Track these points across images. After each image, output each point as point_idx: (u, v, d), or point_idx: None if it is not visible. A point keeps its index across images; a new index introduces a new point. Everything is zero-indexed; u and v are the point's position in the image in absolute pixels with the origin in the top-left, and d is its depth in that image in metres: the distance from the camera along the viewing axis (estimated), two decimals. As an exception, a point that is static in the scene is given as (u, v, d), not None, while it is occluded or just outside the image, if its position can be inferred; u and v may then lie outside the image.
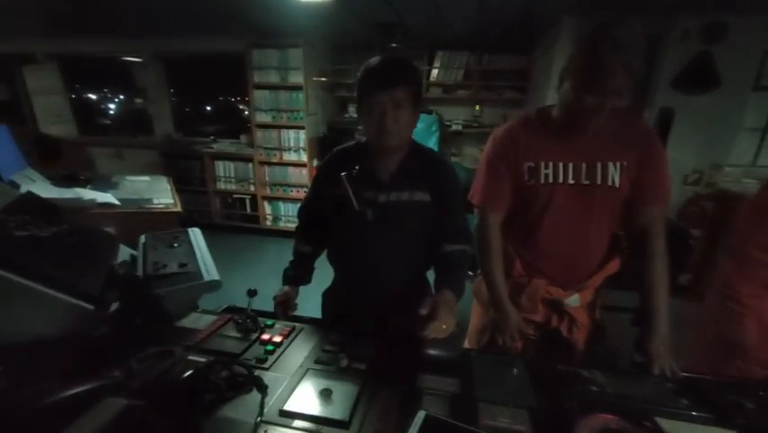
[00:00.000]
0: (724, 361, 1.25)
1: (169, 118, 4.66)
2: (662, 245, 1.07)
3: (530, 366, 0.93)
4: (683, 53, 2.67)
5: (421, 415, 0.73)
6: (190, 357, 0.91)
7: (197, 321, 1.11)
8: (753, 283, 1.19)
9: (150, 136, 4.59)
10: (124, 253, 1.56)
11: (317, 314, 1.31)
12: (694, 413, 0.81)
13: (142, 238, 1.67)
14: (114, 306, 0.98)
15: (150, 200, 2.06)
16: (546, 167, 1.08)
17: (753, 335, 1.20)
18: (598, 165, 1.05)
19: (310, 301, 1.37)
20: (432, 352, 0.91)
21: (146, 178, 2.52)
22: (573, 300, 1.16)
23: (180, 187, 4.20)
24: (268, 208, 4.28)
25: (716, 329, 1.28)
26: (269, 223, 4.31)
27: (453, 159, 4.38)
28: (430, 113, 3.53)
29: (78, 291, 0.99)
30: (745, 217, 1.25)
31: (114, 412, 0.68)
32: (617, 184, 1.05)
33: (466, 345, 1.40)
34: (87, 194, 1.95)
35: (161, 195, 2.17)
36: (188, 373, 0.75)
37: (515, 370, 0.91)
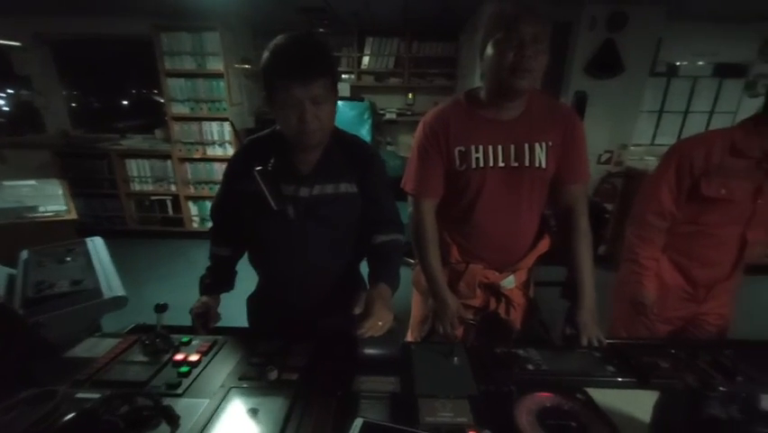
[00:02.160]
0: (633, 320, 1.41)
1: (64, 112, 4.04)
2: (586, 223, 1.12)
3: (470, 352, 0.92)
4: (592, 40, 2.87)
5: (358, 423, 0.67)
6: (79, 395, 0.75)
7: (95, 347, 0.94)
8: (650, 246, 1.34)
9: (41, 134, 3.94)
10: (0, 273, 1.30)
11: (244, 323, 1.19)
12: (620, 379, 0.85)
13: (24, 254, 1.41)
14: (-29, 344, 0.78)
15: (34, 208, 1.73)
16: (477, 150, 1.07)
17: (651, 293, 1.34)
18: (526, 146, 1.06)
19: (232, 310, 1.23)
20: (369, 351, 0.85)
21: (31, 182, 2.13)
22: (509, 282, 1.18)
23: (84, 190, 3.72)
24: (193, 209, 3.92)
25: (624, 291, 1.42)
26: (195, 225, 3.95)
27: (389, 148, 4.37)
28: (362, 100, 3.45)
29: None
30: (643, 189, 1.39)
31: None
32: (543, 165, 1.06)
33: (408, 336, 1.37)
34: (-56, 205, 1.58)
35: (50, 201, 1.84)
36: (69, 417, 0.61)
37: (455, 358, 0.89)
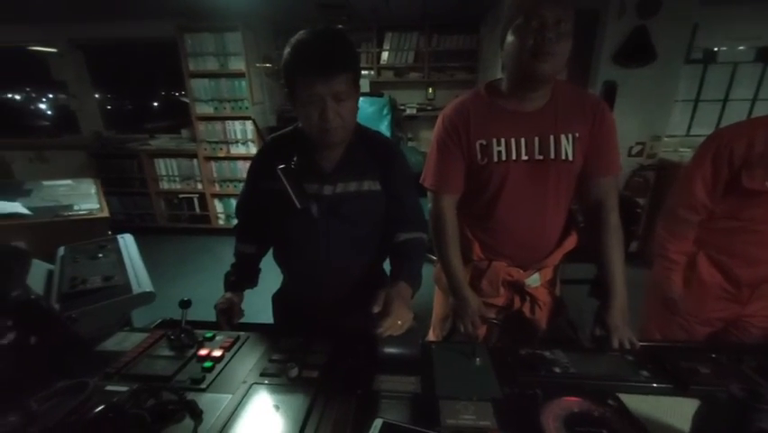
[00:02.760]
0: (667, 321, 1.35)
1: (97, 114, 4.22)
2: (617, 218, 1.07)
3: (493, 353, 0.89)
4: (622, 28, 2.74)
5: (378, 423, 0.66)
6: (108, 387, 0.78)
7: (124, 341, 0.97)
8: (680, 241, 1.28)
9: (77, 135, 4.13)
10: (40, 269, 1.36)
11: (270, 319, 1.20)
12: (654, 385, 0.80)
13: (61, 250, 1.47)
14: (11, 336, 0.81)
15: (69, 207, 1.82)
16: (499, 144, 1.03)
17: (679, 289, 1.29)
18: (551, 138, 1.01)
19: (258, 307, 1.25)
20: (389, 350, 0.84)
21: (68, 182, 2.23)
22: (534, 280, 1.14)
23: (117, 189, 3.88)
24: (219, 207, 4.02)
25: (655, 289, 1.36)
26: (221, 222, 4.05)
27: (409, 143, 4.33)
28: (381, 95, 3.43)
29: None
30: (677, 181, 1.32)
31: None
32: (570, 157, 1.02)
33: (430, 334, 1.35)
34: (-12, 205, 1.68)
35: (85, 200, 1.92)
36: (99, 409, 0.63)
37: (477, 359, 0.86)
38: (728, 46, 3.42)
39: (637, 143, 3.03)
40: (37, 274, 1.31)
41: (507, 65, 1.00)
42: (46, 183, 2.16)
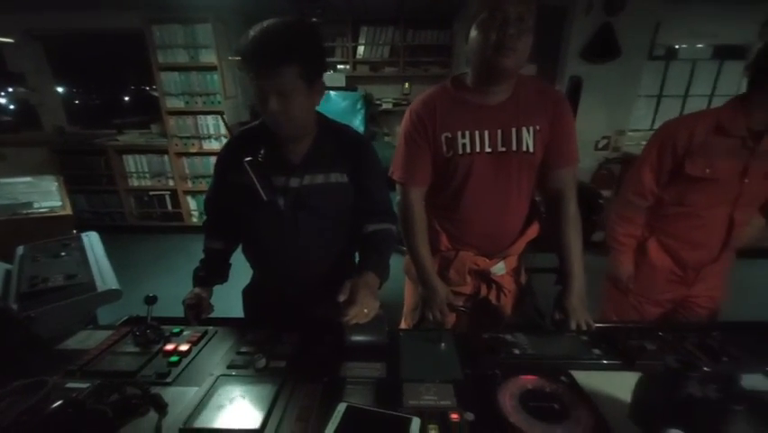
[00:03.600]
0: (621, 303, 1.45)
1: (60, 109, 4.03)
2: (575, 207, 1.12)
3: (458, 338, 0.92)
4: (588, 25, 2.83)
5: (341, 407, 0.68)
6: (69, 385, 0.77)
7: (87, 340, 0.95)
8: (628, 224, 1.39)
9: (38, 131, 3.94)
10: (-3, 269, 1.31)
11: (241, 314, 1.20)
12: (605, 361, 0.85)
13: (20, 250, 1.42)
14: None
15: (28, 204, 1.74)
16: (463, 136, 1.06)
17: (628, 270, 1.39)
18: (513, 131, 1.05)
19: (229, 302, 1.25)
20: (356, 338, 0.86)
21: (27, 179, 2.13)
22: (499, 269, 1.18)
23: (83, 187, 3.73)
24: (191, 204, 3.93)
25: (607, 270, 1.46)
26: (194, 219, 3.96)
27: (385, 138, 4.34)
28: (356, 90, 3.42)
29: None
30: (629, 170, 1.42)
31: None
32: (531, 149, 1.06)
33: (402, 324, 1.38)
34: (-61, 203, 1.59)
35: (46, 197, 1.84)
36: (56, 405, 0.62)
37: (442, 344, 0.89)
38: (688, 44, 3.59)
39: (603, 137, 3.15)
40: (-6, 274, 1.26)
41: (471, 59, 1.02)
42: (3, 181, 2.06)
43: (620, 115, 3.09)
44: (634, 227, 1.38)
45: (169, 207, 3.93)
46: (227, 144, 1.10)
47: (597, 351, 0.88)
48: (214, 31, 3.32)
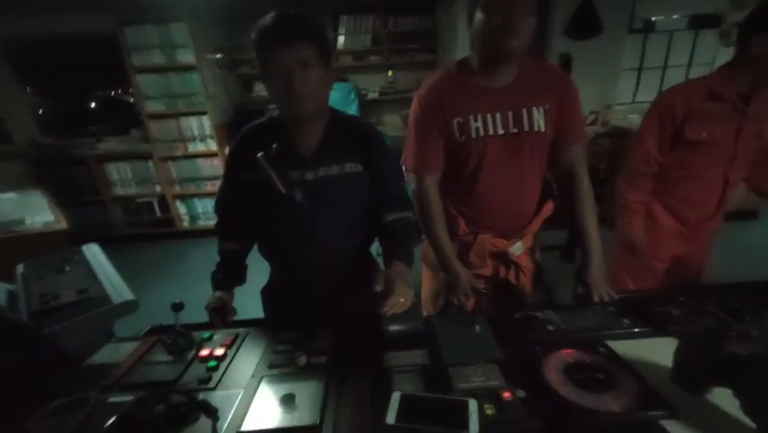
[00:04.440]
0: (634, 265, 1.54)
1: (29, 119, 3.83)
2: (588, 182, 1.14)
3: (490, 320, 0.94)
4: (570, 2, 2.85)
5: (396, 396, 0.69)
6: (111, 399, 0.75)
7: (114, 353, 0.93)
8: (638, 191, 1.47)
9: (8, 144, 3.74)
10: (-2, 290, 1.25)
11: (259, 314, 1.18)
12: (636, 330, 0.88)
13: (20, 268, 1.36)
14: (-10, 361, 0.76)
15: (20, 221, 1.67)
16: (476, 120, 1.06)
17: (640, 232, 1.48)
18: (524, 111, 1.06)
19: (249, 301, 1.23)
20: (394, 328, 0.87)
21: (10, 195, 2.03)
22: (517, 248, 1.20)
23: (65, 200, 3.55)
24: (181, 208, 3.83)
25: (619, 238, 1.55)
26: (186, 224, 3.87)
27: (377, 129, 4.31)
28: (346, 80, 3.37)
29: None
30: (632, 140, 1.50)
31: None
32: (542, 129, 1.07)
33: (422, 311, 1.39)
34: (-76, 226, 1.51)
35: (36, 213, 1.76)
36: (111, 421, 0.61)
37: (477, 327, 0.90)
38: (665, 15, 3.65)
39: (591, 112, 3.21)
40: (-3, 296, 1.21)
41: (476, 42, 1.02)
42: (-14, 198, 1.97)
43: (607, 90, 3.16)
44: (642, 193, 1.46)
45: (158, 214, 3.82)
46: (235, 144, 1.07)
47: (626, 320, 0.91)
48: (190, 30, 3.20)
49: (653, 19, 3.68)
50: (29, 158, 3.58)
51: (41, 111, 4.28)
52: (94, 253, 1.48)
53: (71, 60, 4.45)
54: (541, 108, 1.06)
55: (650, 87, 3.88)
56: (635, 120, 3.36)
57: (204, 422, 0.68)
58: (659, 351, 0.79)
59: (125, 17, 3.15)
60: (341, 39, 4.09)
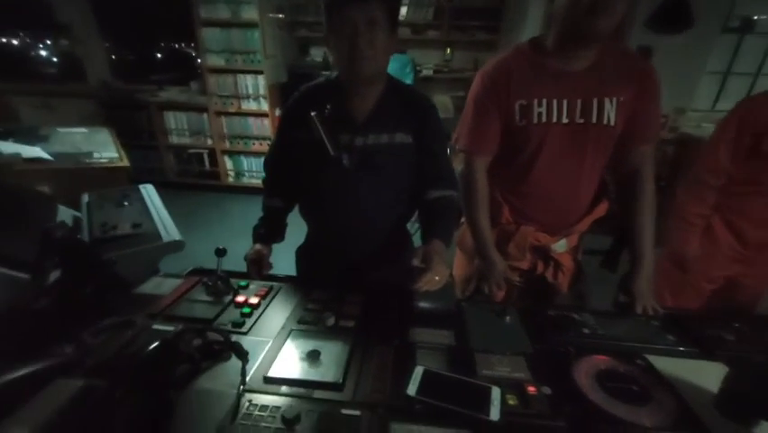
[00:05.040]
0: (678, 281, 1.43)
1: (104, 62, 4.08)
2: (653, 187, 1.06)
3: (522, 314, 0.91)
4: (660, -10, 2.58)
5: (419, 370, 0.69)
6: (155, 326, 0.81)
7: (160, 286, 1.00)
8: (700, 204, 1.34)
9: (83, 83, 4.02)
10: (65, 214, 1.37)
11: (291, 273, 1.22)
12: (681, 348, 0.82)
13: (85, 197, 1.47)
14: (55, 274, 0.84)
15: (89, 154, 1.80)
16: (540, 105, 1.00)
17: (695, 248, 1.36)
18: (594, 101, 0.98)
19: (282, 260, 1.27)
20: (424, 304, 0.86)
21: (83, 129, 2.20)
22: (561, 246, 1.15)
23: (126, 141, 3.79)
24: (228, 163, 3.99)
25: (668, 249, 1.44)
26: (230, 179, 4.03)
27: (424, 106, 4.21)
28: (404, 52, 3.29)
29: (8, 259, 0.84)
30: (702, 148, 1.38)
31: (68, 395, 0.58)
32: (612, 122, 0.99)
33: (450, 294, 1.38)
34: (9, 147, 1.66)
35: (103, 148, 1.90)
36: (155, 345, 0.66)
37: (507, 318, 0.88)
38: (769, 15, 3.23)
39: (661, 115, 2.95)
40: (63, 219, 1.32)
41: (557, 19, 0.94)
42: (61, 130, 2.13)
43: (683, 93, 2.87)
44: (705, 207, 1.34)
45: (207, 166, 4.00)
46: (292, 100, 1.07)
47: (671, 337, 0.86)
48: (257, -15, 3.22)
49: (755, 18, 3.27)
50: (99, 98, 3.83)
51: (113, 56, 4.52)
52: (149, 192, 1.57)
53: (144, 9, 4.63)
54: (614, 100, 0.98)
55: (735, 95, 3.48)
56: (708, 129, 3.05)
57: (234, 362, 0.73)
58: (703, 374, 0.74)
59: (197, -32, 3.21)
60: (402, 9, 3.96)
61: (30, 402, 0.56)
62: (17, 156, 1.62)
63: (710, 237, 1.36)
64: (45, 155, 1.70)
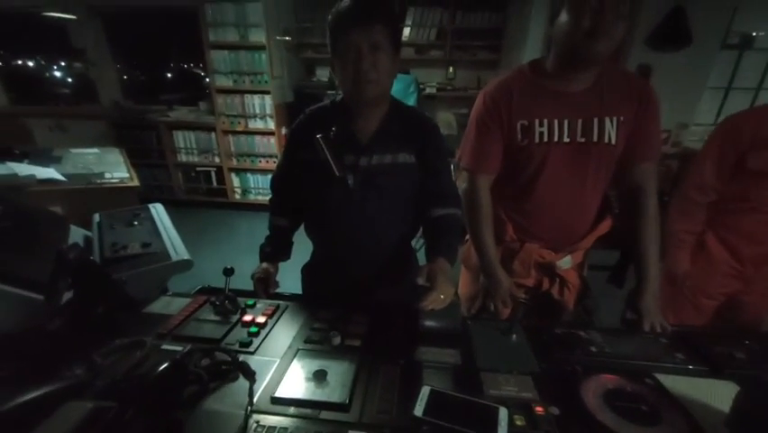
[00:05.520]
0: (675, 298, 1.42)
1: (116, 83, 4.21)
2: (656, 204, 1.06)
3: (528, 331, 0.91)
4: (658, 9, 2.63)
5: (425, 391, 0.69)
6: (164, 346, 0.82)
7: (168, 306, 1.01)
8: (689, 221, 1.35)
9: (96, 105, 4.14)
10: (77, 234, 1.40)
11: (296, 291, 1.23)
12: (690, 367, 0.82)
13: (96, 217, 1.50)
14: (68, 295, 0.85)
15: (101, 175, 1.85)
16: (541, 125, 1.02)
17: (684, 266, 1.37)
18: (595, 121, 1.00)
19: (288, 278, 1.28)
20: (430, 323, 0.87)
21: (95, 150, 2.26)
22: (566, 262, 1.15)
23: (136, 160, 3.86)
24: (235, 181, 4.05)
25: (664, 266, 1.41)
26: (237, 196, 4.09)
27: (428, 123, 4.27)
28: (408, 72, 3.36)
29: (23, 280, 0.86)
30: (689, 165, 1.38)
31: (78, 418, 0.59)
32: (613, 141, 1.01)
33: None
34: (25, 169, 1.71)
35: (114, 168, 1.95)
36: (165, 366, 0.66)
37: (514, 336, 0.88)
38: (767, 31, 3.27)
39: (664, 131, 2.97)
40: (75, 239, 1.35)
41: (557, 43, 0.97)
42: (74, 151, 2.19)
43: (685, 108, 2.90)
44: (694, 224, 1.35)
45: (215, 184, 4.06)
46: (298, 123, 1.10)
47: (680, 355, 0.85)
48: (265, 9, 3.34)
49: (753, 34, 3.31)
50: (111, 118, 3.94)
51: (125, 77, 4.67)
52: (158, 211, 1.60)
53: (155, 33, 4.79)
54: (614, 119, 1.00)
55: (737, 110, 3.50)
56: (713, 143, 3.06)
57: (242, 382, 0.73)
58: (714, 393, 0.73)
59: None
60: (406, 30, 4.06)
61: (42, 425, 0.57)
62: (32, 177, 1.67)
63: (705, 254, 1.35)
64: (58, 176, 1.75)
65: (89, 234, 1.43)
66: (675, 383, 0.76)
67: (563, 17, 0.92)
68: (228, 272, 0.99)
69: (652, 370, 0.79)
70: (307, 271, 1.25)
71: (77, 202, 1.66)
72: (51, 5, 3.75)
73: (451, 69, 4.23)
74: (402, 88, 3.25)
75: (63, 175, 1.79)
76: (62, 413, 0.58)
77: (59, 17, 3.82)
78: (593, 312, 1.29)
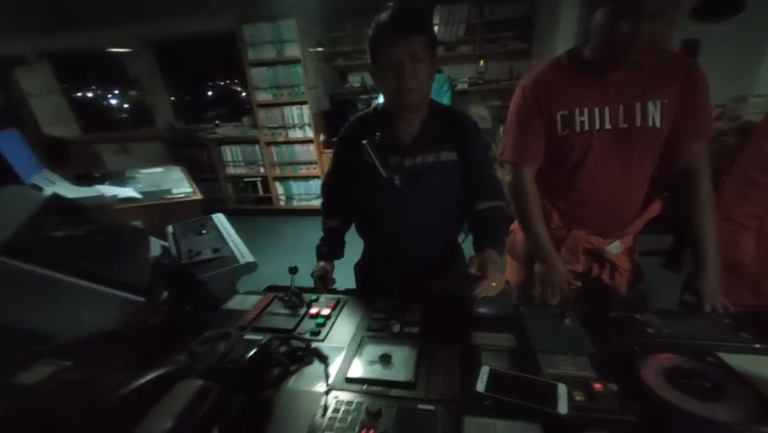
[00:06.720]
0: (732, 284, 1.24)
1: (169, 107, 4.59)
2: (710, 184, 1.04)
3: (582, 316, 0.93)
4: (703, -22, 2.49)
5: (485, 370, 0.74)
6: (246, 337, 0.93)
7: (243, 302, 1.13)
8: (750, 203, 1.23)
9: (152, 128, 4.54)
10: (155, 245, 1.57)
11: (351, 286, 1.31)
12: (757, 345, 0.80)
13: (170, 228, 1.68)
14: (164, 295, 0.99)
15: (169, 191, 2.06)
16: (581, 114, 1.04)
17: (749, 252, 1.24)
18: (637, 105, 1.00)
19: (340, 276, 1.37)
20: (483, 310, 0.91)
21: (159, 169, 2.51)
22: (615, 247, 1.15)
23: (192, 175, 4.23)
24: (280, 189, 4.27)
25: (721, 256, 1.27)
26: (282, 203, 4.31)
27: (461, 119, 4.26)
28: (440, 71, 3.40)
29: (127, 285, 1.01)
30: (748, 142, 1.27)
31: (192, 393, 0.70)
32: (658, 124, 1.00)
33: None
34: (108, 190, 1.95)
35: (178, 185, 2.16)
36: (253, 351, 0.77)
37: (567, 320, 0.91)
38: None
39: (717, 106, 2.78)
40: (154, 249, 1.52)
41: (594, 38, 0.97)
42: (143, 171, 2.45)
43: (741, 80, 2.69)
44: (756, 206, 1.23)
45: (261, 192, 4.31)
46: (344, 130, 1.18)
47: (745, 334, 0.83)
48: (298, 25, 3.50)
49: (818, -9, 3.01)
50: (166, 139, 4.30)
51: (172, 98, 5.07)
52: (221, 220, 1.76)
53: (198, 57, 5.16)
54: (658, 102, 0.99)
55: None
56: (778, 115, 2.82)
57: (316, 366, 0.82)
58: (784, 371, 0.72)
59: (244, 15, 3.57)
60: (434, 29, 4.09)
61: (164, 399, 0.68)
62: (115, 197, 1.90)
63: (765, 237, 1.22)
64: (136, 194, 1.97)
65: (165, 243, 1.60)
66: (742, 362, 0.75)
67: (601, 20, 0.91)
68: (293, 271, 1.09)
69: (714, 349, 0.78)
70: (360, 268, 1.33)
71: (151, 216, 1.87)
72: (114, 42, 4.15)
73: (481, 63, 4.20)
74: (436, 88, 3.28)
75: (140, 193, 2.02)
76: (179, 390, 0.70)
77: (118, 52, 4.23)
78: (647, 296, 1.26)
